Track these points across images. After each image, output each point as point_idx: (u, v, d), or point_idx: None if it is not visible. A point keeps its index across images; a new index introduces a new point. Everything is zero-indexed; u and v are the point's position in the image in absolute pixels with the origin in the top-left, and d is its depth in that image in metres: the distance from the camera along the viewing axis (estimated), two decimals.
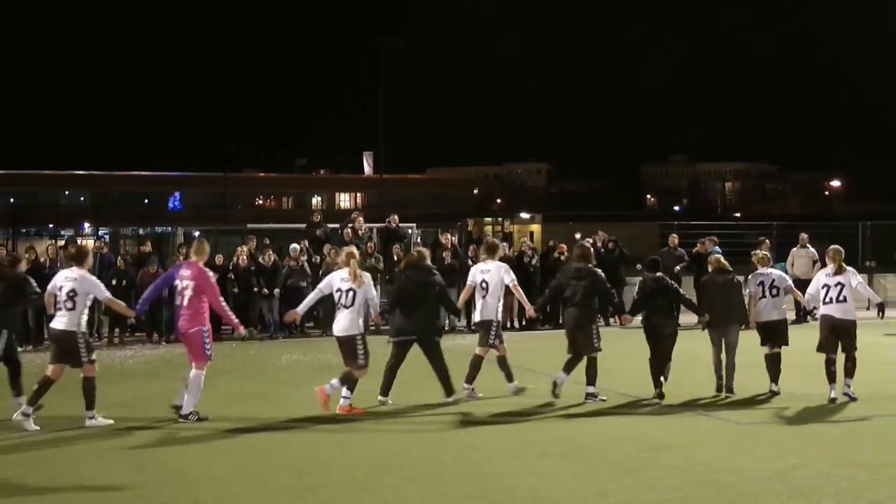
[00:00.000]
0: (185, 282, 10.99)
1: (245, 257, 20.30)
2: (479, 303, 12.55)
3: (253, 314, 20.14)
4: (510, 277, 12.59)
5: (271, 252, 20.61)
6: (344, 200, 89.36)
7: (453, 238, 23.91)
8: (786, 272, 21.36)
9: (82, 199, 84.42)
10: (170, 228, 53.01)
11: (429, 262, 12.39)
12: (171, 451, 9.61)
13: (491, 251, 12.84)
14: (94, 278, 11.14)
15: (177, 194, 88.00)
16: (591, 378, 12.09)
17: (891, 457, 9.05)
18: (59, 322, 10.72)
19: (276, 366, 15.71)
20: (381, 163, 55.43)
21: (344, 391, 11.25)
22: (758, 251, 13.86)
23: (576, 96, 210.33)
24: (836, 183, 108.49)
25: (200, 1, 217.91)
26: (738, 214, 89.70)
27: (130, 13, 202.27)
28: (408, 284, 11.99)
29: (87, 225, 62.00)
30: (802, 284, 21.82)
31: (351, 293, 11.32)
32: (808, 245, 23.24)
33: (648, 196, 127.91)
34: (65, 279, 10.84)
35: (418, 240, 25.51)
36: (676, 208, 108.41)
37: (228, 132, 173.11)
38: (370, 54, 48.44)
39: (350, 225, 21.86)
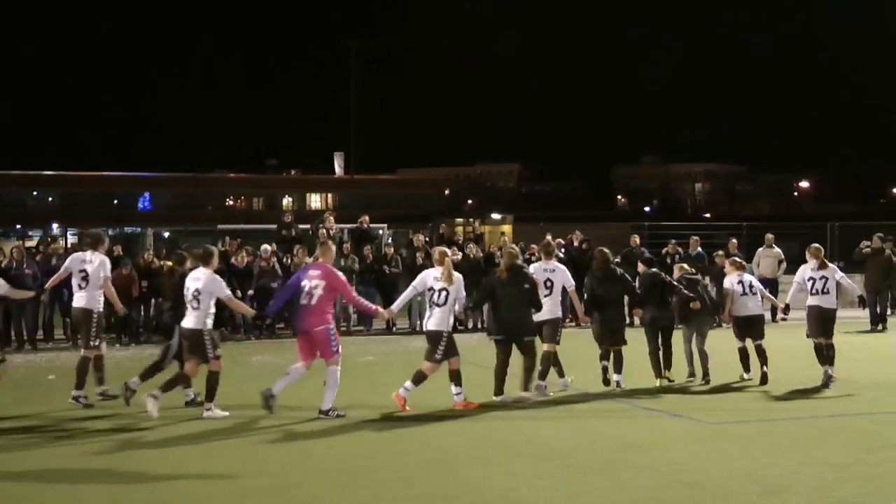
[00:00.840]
0: (314, 281, 11.34)
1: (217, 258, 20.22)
2: (545, 301, 12.62)
3: (223, 315, 20.01)
4: (571, 282, 13.09)
5: (245, 253, 20.54)
6: (315, 201, 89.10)
7: (426, 238, 23.88)
8: (752, 272, 21.79)
9: (51, 199, 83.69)
10: (139, 229, 52.69)
11: (521, 261, 12.79)
12: (142, 453, 9.55)
13: (548, 253, 13.35)
14: (218, 278, 11.68)
15: (146, 195, 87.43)
16: (618, 367, 13.06)
17: (858, 455, 9.12)
18: (188, 321, 11.34)
19: (246, 366, 15.61)
20: (352, 163, 55.32)
21: (453, 388, 11.64)
22: (735, 259, 14.99)
23: (576, 96, 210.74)
24: (804, 184, 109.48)
25: (200, 1, 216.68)
26: (708, 215, 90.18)
27: (130, 13, 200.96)
28: (498, 283, 12.23)
29: (55, 225, 61.56)
30: (768, 284, 22.37)
31: (444, 292, 11.67)
32: (773, 245, 23.50)
33: (619, 197, 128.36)
34: (192, 280, 11.42)
35: (389, 240, 25.51)
36: (647, 209, 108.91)
37: (229, 132, 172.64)
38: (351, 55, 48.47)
39: (321, 225, 21.83)
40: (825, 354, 13.44)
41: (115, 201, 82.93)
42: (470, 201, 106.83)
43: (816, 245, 14.01)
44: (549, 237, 17.08)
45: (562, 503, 7.68)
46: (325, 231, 21.30)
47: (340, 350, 11.50)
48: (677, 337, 13.77)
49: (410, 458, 9.23)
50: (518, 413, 11.43)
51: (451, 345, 11.67)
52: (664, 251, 23.04)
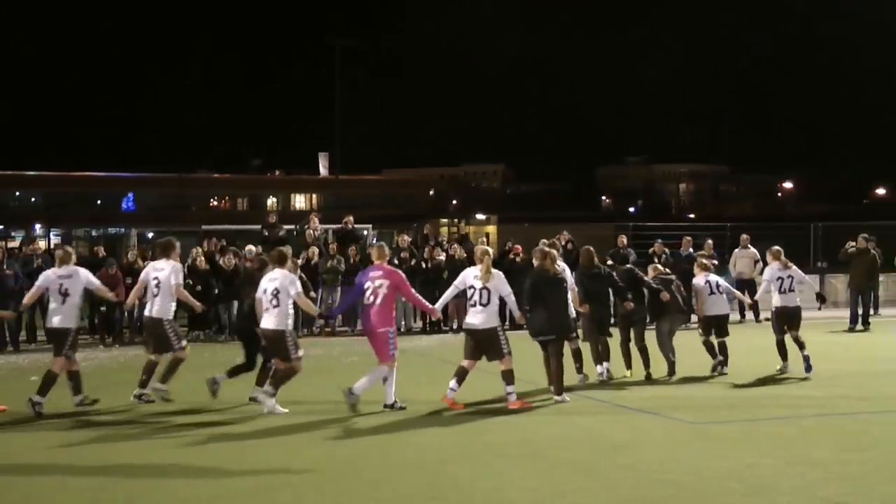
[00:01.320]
0: (377, 282, 11.64)
1: (202, 259, 20.18)
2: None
3: (207, 316, 19.98)
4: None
5: (231, 256, 20.48)
6: (299, 201, 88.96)
7: (410, 239, 23.86)
8: (729, 273, 22.09)
9: (33, 199, 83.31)
10: (123, 229, 52.51)
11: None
12: (116, 449, 9.51)
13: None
14: (294, 277, 11.89)
15: (130, 195, 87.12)
16: (605, 357, 13.90)
17: (842, 454, 9.15)
18: (269, 322, 11.61)
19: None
20: (337, 164, 55.15)
21: (509, 388, 11.69)
22: (702, 260, 15.62)
23: (576, 96, 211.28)
24: (788, 184, 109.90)
25: (201, 1, 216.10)
26: (692, 216, 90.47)
27: (130, 13, 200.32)
28: (544, 282, 12.32)
29: (38, 226, 61.30)
30: (745, 284, 22.69)
31: (485, 291, 11.74)
32: (749, 246, 23.68)
33: (604, 197, 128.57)
34: (269, 280, 11.71)
35: (374, 241, 25.47)
36: (632, 209, 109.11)
37: (232, 131, 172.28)
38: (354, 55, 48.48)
39: (306, 227, 21.80)
40: (799, 342, 14.49)
41: (99, 202, 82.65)
42: (455, 202, 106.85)
43: (777, 248, 15.13)
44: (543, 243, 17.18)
45: (547, 503, 7.67)
46: (310, 232, 21.27)
47: (396, 355, 11.74)
48: (650, 334, 14.31)
49: (396, 458, 9.21)
50: (504, 414, 11.42)
51: (506, 339, 11.77)
52: (650, 251, 23.12)
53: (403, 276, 12.10)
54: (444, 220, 77.96)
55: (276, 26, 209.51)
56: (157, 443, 10.06)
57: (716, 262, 21.14)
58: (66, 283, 11.87)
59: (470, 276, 11.94)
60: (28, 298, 12.66)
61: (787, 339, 14.58)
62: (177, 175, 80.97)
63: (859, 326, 21.66)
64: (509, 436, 10.18)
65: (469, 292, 11.85)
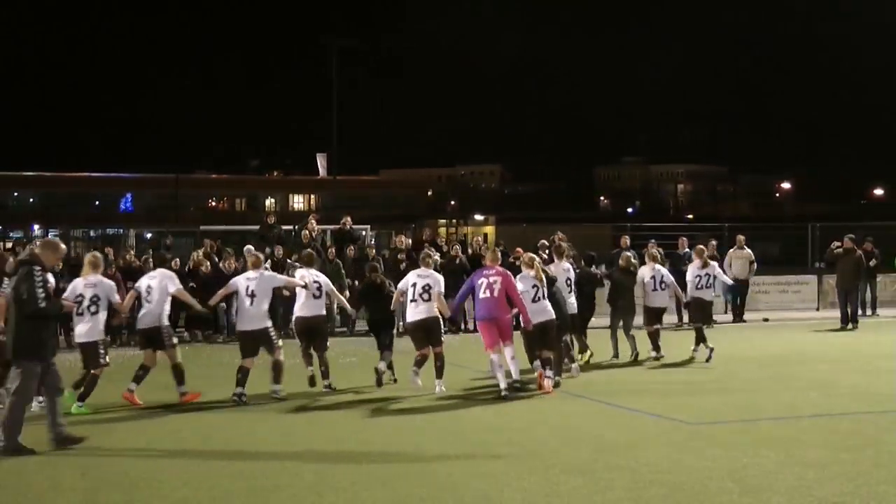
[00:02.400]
0: (492, 278, 12.83)
1: (208, 266, 20.22)
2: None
3: (206, 317, 19.96)
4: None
5: (233, 260, 20.47)
6: (298, 202, 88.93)
7: (408, 240, 23.86)
8: (724, 272, 22.44)
9: (31, 199, 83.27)
10: (121, 230, 52.49)
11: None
12: (119, 454, 9.49)
13: (559, 254, 14.98)
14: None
15: (128, 196, 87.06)
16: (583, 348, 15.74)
17: (838, 454, 9.14)
18: (420, 313, 12.98)
19: (230, 367, 15.54)
20: (335, 164, 55.13)
21: (550, 372, 13.07)
22: (653, 253, 17.43)
23: (576, 96, 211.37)
24: (786, 185, 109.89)
25: (200, 1, 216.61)
26: (690, 216, 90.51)
27: (130, 13, 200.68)
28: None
29: (36, 226, 61.20)
30: (740, 285, 23.00)
31: (536, 288, 13.12)
32: (744, 246, 23.72)
33: (602, 198, 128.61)
34: (418, 276, 13.19)
35: (371, 242, 25.47)
36: (630, 210, 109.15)
37: (230, 132, 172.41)
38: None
39: (305, 228, 21.78)
40: (702, 335, 16.06)
41: (97, 202, 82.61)
42: (453, 202, 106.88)
43: (700, 247, 17.57)
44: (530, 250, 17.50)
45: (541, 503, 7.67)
46: (306, 233, 21.26)
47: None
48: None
49: (389, 459, 9.19)
50: (498, 414, 11.42)
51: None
52: (643, 251, 23.13)
53: (514, 281, 13.02)
54: (443, 221, 77.95)
55: (274, 27, 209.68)
56: (154, 443, 10.04)
57: (716, 261, 21.33)
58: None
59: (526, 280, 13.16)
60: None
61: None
62: (174, 176, 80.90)
63: (850, 325, 21.74)
64: (503, 436, 10.16)
65: (532, 292, 13.04)
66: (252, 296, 12.43)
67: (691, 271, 16.76)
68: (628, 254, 17.14)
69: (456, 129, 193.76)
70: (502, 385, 12.40)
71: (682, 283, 17.13)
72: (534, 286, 13.08)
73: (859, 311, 22.78)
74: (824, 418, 11.09)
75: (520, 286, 12.91)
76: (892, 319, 23.58)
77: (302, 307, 13.24)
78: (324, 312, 13.44)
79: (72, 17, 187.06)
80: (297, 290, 13.35)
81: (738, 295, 23.54)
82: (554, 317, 13.16)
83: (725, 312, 23.62)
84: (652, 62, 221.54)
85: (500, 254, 14.12)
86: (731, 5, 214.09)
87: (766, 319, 23.72)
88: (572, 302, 14.45)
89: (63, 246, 10.55)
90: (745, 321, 23.18)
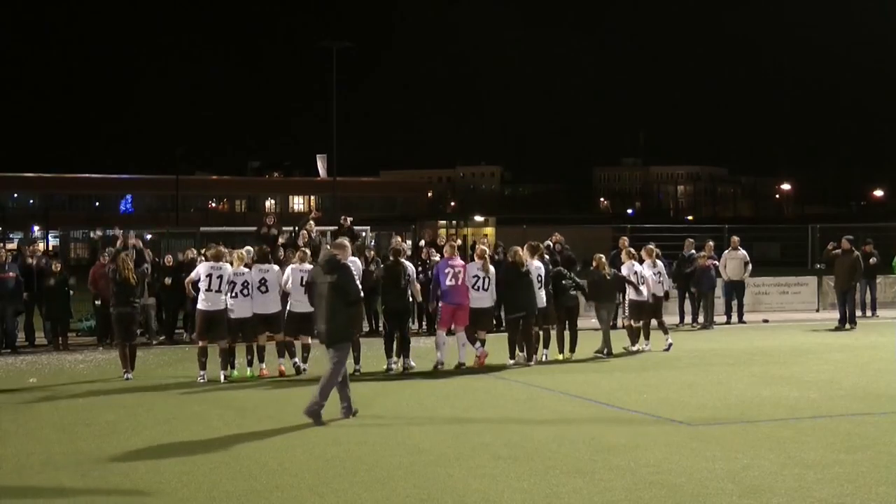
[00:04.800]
0: (457, 269, 15.15)
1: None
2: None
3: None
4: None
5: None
6: (297, 203, 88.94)
7: (408, 241, 23.84)
8: (719, 273, 22.56)
9: (31, 201, 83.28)
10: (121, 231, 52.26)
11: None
12: (119, 455, 9.49)
13: (532, 251, 16.09)
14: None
15: (128, 197, 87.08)
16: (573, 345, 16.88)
17: (837, 456, 9.15)
18: (478, 302, 15.43)
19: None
20: (335, 165, 55.05)
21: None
22: (630, 250, 18.09)
23: (576, 97, 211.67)
24: (786, 186, 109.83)
25: (200, 2, 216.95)
26: (690, 217, 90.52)
27: (130, 14, 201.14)
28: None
29: (36, 228, 61.23)
30: (735, 284, 23.05)
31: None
32: (738, 248, 23.75)
33: (601, 199, 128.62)
34: (478, 269, 15.42)
35: (372, 243, 25.45)
36: (630, 211, 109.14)
37: (230, 133, 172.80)
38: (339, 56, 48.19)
39: (304, 229, 21.73)
40: (637, 333, 17.27)
41: (97, 203, 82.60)
42: (453, 203, 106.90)
43: (649, 246, 18.14)
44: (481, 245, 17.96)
45: None
46: (305, 233, 21.24)
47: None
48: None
49: (390, 459, 9.19)
50: (497, 415, 11.43)
51: None
52: (640, 252, 23.15)
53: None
54: (443, 222, 77.92)
55: (274, 28, 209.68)
56: (151, 444, 10.04)
57: (716, 262, 21.37)
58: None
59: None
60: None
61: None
62: (174, 177, 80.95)
63: (848, 326, 21.82)
64: (503, 437, 10.16)
65: (472, 280, 15.23)
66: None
67: (630, 269, 17.38)
68: (600, 255, 17.77)
69: (456, 130, 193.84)
70: (440, 357, 14.97)
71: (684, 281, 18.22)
72: (475, 276, 15.20)
73: (858, 312, 22.83)
74: (824, 419, 11.09)
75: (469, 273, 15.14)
76: (891, 321, 23.57)
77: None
78: (490, 304, 15.66)
79: (72, 19, 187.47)
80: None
81: (734, 295, 23.50)
82: (491, 305, 15.60)
83: (724, 314, 23.57)
84: (651, 62, 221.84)
85: (456, 247, 16.19)
86: (731, 5, 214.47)
87: (765, 320, 23.72)
88: (542, 296, 15.83)
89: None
90: (744, 322, 23.19)
